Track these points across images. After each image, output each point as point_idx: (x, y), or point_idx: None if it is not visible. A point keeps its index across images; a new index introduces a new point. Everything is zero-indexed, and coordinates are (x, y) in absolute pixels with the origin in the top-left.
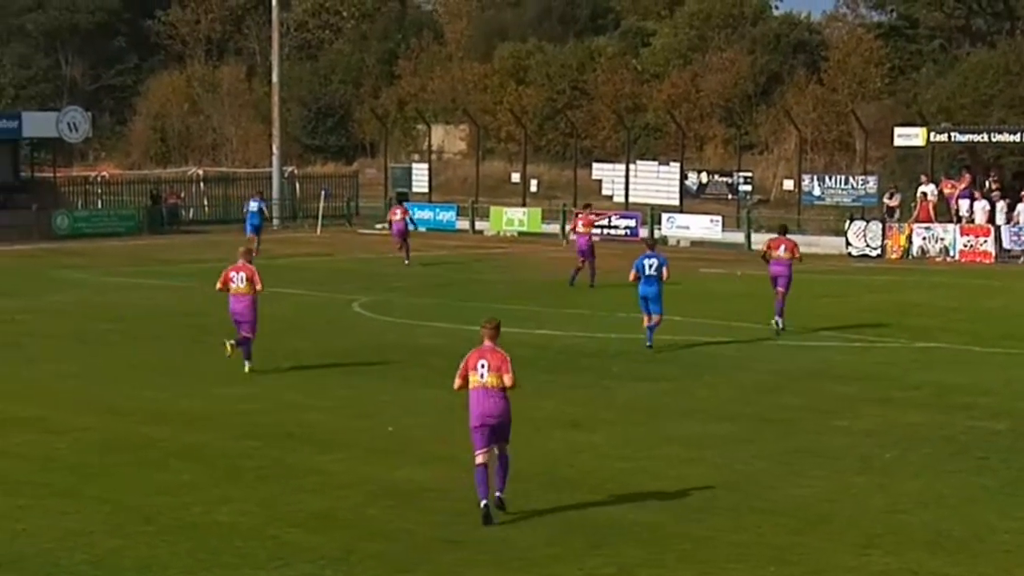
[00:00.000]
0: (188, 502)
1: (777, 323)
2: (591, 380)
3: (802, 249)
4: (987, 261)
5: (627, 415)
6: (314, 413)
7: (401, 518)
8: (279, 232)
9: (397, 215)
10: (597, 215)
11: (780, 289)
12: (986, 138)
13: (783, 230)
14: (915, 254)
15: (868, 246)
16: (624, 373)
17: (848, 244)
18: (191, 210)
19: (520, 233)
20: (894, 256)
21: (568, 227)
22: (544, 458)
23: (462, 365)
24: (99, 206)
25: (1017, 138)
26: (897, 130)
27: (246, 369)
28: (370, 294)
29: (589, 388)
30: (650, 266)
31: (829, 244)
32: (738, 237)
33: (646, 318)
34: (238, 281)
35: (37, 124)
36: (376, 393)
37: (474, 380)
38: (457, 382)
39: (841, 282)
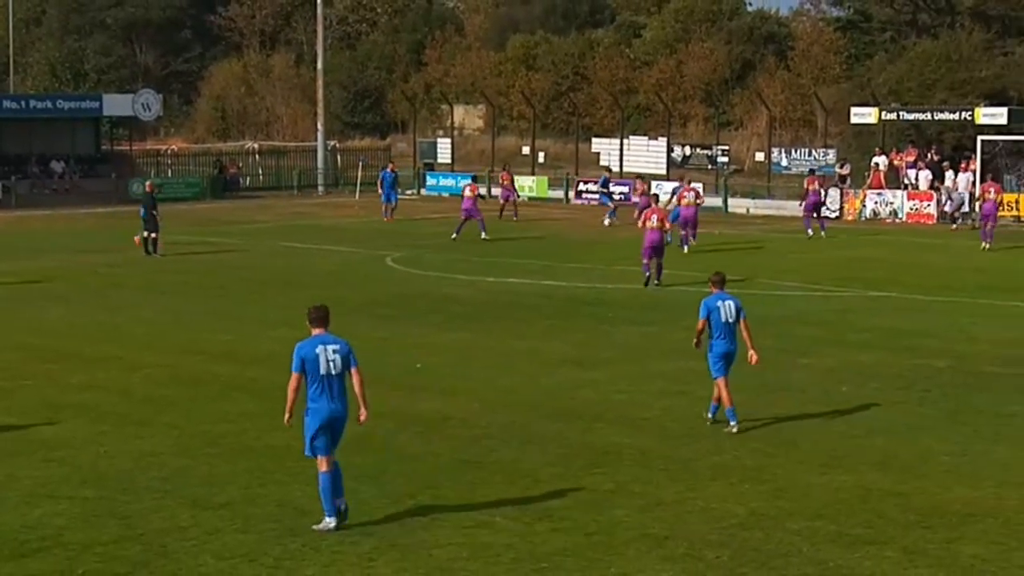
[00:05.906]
0: (246, 428)
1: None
2: (591, 325)
3: (771, 212)
4: (930, 222)
5: (622, 354)
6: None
7: (427, 443)
8: (323, 197)
9: (467, 192)
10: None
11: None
12: (929, 116)
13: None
14: (868, 216)
15: (828, 209)
16: (619, 318)
17: None
18: (247, 178)
19: (530, 198)
20: (850, 218)
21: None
22: (550, 391)
23: (641, 216)
24: (169, 175)
25: (956, 116)
26: (853, 110)
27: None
28: (401, 250)
29: (589, 331)
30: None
31: (794, 208)
32: (716, 202)
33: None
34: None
35: (116, 104)
36: (405, 336)
37: (649, 224)
38: (640, 224)
39: (805, 240)
